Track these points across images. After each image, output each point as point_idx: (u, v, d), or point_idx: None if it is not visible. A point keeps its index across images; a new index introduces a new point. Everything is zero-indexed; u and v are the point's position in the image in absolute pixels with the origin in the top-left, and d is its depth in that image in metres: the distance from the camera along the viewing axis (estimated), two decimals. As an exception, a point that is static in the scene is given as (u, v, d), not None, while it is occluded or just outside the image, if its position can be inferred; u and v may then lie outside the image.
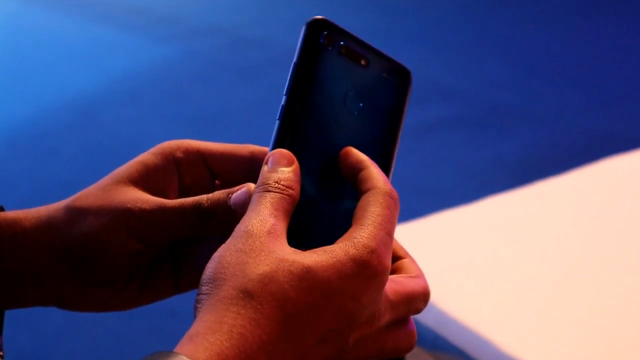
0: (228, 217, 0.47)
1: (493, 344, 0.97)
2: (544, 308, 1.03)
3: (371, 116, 0.48)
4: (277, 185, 0.44)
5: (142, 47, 3.96)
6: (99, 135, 3.01)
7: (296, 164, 0.45)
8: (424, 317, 1.05)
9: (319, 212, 0.47)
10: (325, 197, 0.47)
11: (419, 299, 0.45)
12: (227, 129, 3.03)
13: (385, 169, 0.47)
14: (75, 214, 0.49)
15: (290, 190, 0.44)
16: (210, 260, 0.42)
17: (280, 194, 0.44)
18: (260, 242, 0.42)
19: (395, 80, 0.49)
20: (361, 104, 0.48)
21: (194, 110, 3.22)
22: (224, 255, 0.42)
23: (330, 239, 0.44)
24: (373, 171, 0.46)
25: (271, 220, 0.43)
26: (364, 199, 0.45)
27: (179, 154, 0.50)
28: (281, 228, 0.43)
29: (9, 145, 2.97)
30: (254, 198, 0.44)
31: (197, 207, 0.47)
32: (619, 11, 4.22)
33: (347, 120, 0.48)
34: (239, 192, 0.47)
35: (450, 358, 1.03)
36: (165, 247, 0.51)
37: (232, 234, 0.43)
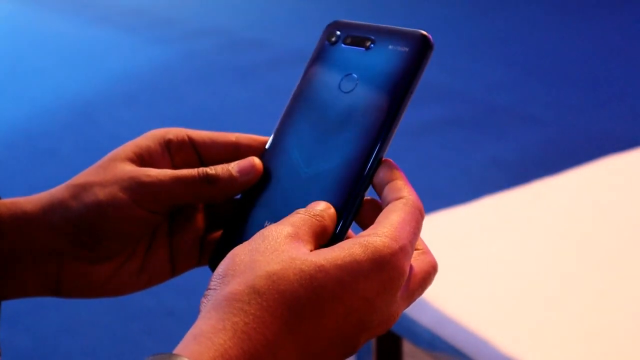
0: (231, 185, 0.50)
1: (491, 343, 0.98)
2: (542, 308, 1.03)
3: (371, 91, 0.49)
4: (306, 210, 0.45)
5: (140, 48, 3.96)
6: (97, 136, 3.01)
7: (333, 209, 0.46)
8: (421, 317, 1.06)
9: (300, 182, 0.49)
10: (305, 166, 0.49)
11: (432, 277, 0.46)
12: (224, 129, 3.03)
13: (378, 137, 0.47)
14: (77, 189, 0.50)
15: (319, 217, 0.45)
16: (225, 258, 0.42)
17: (309, 217, 0.44)
18: (276, 243, 0.42)
19: (407, 48, 0.49)
20: (358, 84, 0.50)
21: (191, 111, 3.22)
22: (238, 253, 0.42)
23: (297, 206, 0.46)
24: (404, 182, 0.46)
25: (290, 229, 0.43)
26: (392, 206, 0.45)
27: (169, 136, 0.52)
28: (300, 236, 0.43)
29: (6, 146, 2.97)
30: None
31: (203, 172, 0.50)
32: (615, 11, 4.23)
33: (341, 101, 0.50)
34: (243, 160, 0.51)
35: (447, 358, 1.03)
36: (165, 220, 0.52)
37: (252, 237, 0.43)
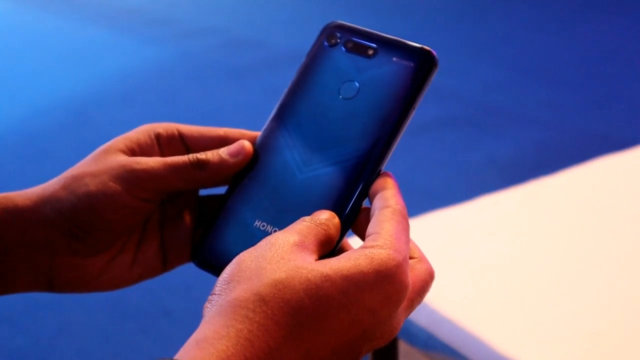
0: (221, 168, 0.51)
1: (486, 343, 0.98)
2: (537, 307, 1.03)
3: (373, 103, 0.49)
4: (312, 218, 0.45)
5: (135, 48, 3.95)
6: (92, 137, 3.00)
7: (337, 219, 0.46)
8: (416, 317, 1.06)
9: (293, 184, 0.49)
10: (301, 168, 0.49)
11: (430, 285, 0.46)
12: (220, 130, 3.02)
13: (381, 150, 0.48)
14: (69, 181, 0.50)
15: (325, 226, 0.45)
16: (230, 263, 0.42)
17: (315, 225, 0.45)
18: (283, 251, 0.42)
19: (412, 63, 0.49)
20: (359, 93, 0.49)
21: (186, 111, 3.22)
22: (244, 259, 0.42)
23: (297, 213, 0.46)
24: (393, 192, 0.47)
25: (297, 237, 0.43)
26: (380, 215, 0.45)
27: (159, 130, 0.53)
28: (307, 245, 0.43)
29: (1, 146, 2.96)
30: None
31: (193, 158, 0.51)
32: (609, 12, 4.23)
33: (341, 107, 0.49)
34: (233, 145, 0.51)
35: (443, 357, 1.03)
36: (156, 209, 0.52)
37: (258, 244, 0.43)
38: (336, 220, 0.46)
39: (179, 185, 0.50)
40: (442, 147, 2.80)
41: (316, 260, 0.42)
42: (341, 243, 0.47)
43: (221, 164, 0.51)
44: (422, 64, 0.48)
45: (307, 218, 0.45)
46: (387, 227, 0.44)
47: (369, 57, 0.50)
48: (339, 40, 0.51)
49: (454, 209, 1.26)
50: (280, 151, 0.50)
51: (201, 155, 0.51)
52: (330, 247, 0.45)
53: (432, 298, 1.05)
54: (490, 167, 2.63)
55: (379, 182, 0.47)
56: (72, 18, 4.48)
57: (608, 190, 1.30)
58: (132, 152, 0.52)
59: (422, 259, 0.47)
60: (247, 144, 0.51)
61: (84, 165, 0.51)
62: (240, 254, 0.43)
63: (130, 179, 0.49)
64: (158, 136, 0.53)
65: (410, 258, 0.46)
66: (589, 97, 3.21)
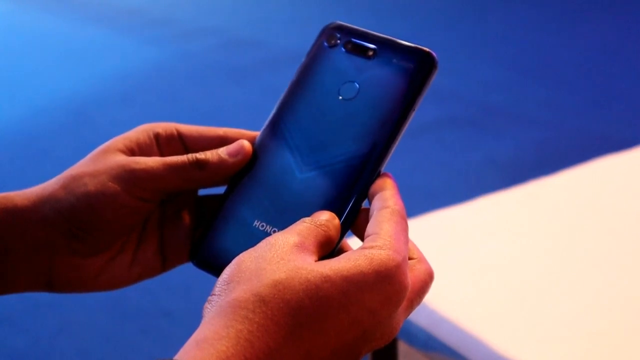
0: (221, 167, 0.50)
1: (486, 343, 0.98)
2: (536, 307, 1.03)
3: (373, 105, 0.49)
4: (312, 220, 0.45)
5: (135, 49, 3.95)
6: (92, 137, 3.00)
7: (337, 220, 0.46)
8: (416, 317, 1.06)
9: (292, 185, 0.49)
10: (301, 168, 0.49)
11: (429, 285, 0.46)
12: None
13: (380, 151, 0.48)
14: (68, 181, 0.50)
15: (325, 227, 0.45)
16: (230, 264, 0.42)
17: (315, 226, 0.45)
18: (283, 252, 0.42)
19: (411, 65, 0.49)
20: (359, 94, 0.49)
21: (186, 111, 3.22)
22: (244, 260, 0.42)
23: (297, 213, 0.46)
24: (392, 193, 0.47)
25: (297, 238, 0.43)
26: (379, 216, 0.45)
27: (158, 130, 0.53)
28: (306, 246, 0.43)
29: (1, 147, 2.96)
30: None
31: (193, 157, 0.50)
32: (609, 12, 4.23)
33: (341, 108, 0.49)
34: (232, 144, 0.51)
35: (443, 358, 1.03)
36: (156, 209, 0.52)
37: (257, 244, 0.43)
38: (336, 221, 0.46)
39: (178, 185, 0.50)
40: (442, 148, 2.80)
41: (316, 261, 0.42)
42: (340, 244, 0.47)
43: (220, 163, 0.50)
44: (422, 65, 0.48)
45: (307, 219, 0.45)
46: (386, 228, 0.44)
47: (368, 58, 0.50)
48: (338, 41, 0.51)
49: (454, 209, 1.26)
50: (279, 151, 0.50)
51: (200, 155, 0.51)
52: (330, 248, 0.45)
53: (432, 298, 1.05)
54: (490, 167, 2.63)
55: (378, 183, 0.47)
56: (72, 18, 4.48)
57: (608, 190, 1.30)
58: (131, 152, 0.52)
59: (422, 260, 0.47)
60: (246, 144, 0.51)
61: (83, 165, 0.51)
62: (240, 254, 0.43)
63: (129, 178, 0.49)
64: (157, 136, 0.53)
65: (410, 259, 0.46)
66: (589, 97, 3.21)
